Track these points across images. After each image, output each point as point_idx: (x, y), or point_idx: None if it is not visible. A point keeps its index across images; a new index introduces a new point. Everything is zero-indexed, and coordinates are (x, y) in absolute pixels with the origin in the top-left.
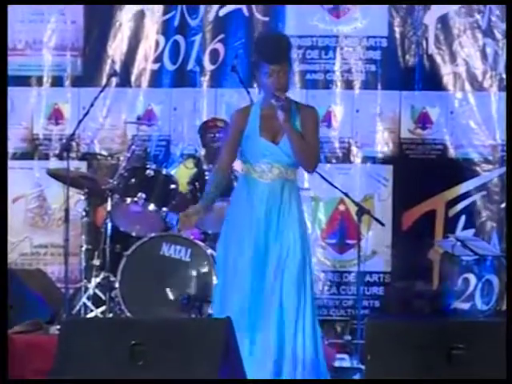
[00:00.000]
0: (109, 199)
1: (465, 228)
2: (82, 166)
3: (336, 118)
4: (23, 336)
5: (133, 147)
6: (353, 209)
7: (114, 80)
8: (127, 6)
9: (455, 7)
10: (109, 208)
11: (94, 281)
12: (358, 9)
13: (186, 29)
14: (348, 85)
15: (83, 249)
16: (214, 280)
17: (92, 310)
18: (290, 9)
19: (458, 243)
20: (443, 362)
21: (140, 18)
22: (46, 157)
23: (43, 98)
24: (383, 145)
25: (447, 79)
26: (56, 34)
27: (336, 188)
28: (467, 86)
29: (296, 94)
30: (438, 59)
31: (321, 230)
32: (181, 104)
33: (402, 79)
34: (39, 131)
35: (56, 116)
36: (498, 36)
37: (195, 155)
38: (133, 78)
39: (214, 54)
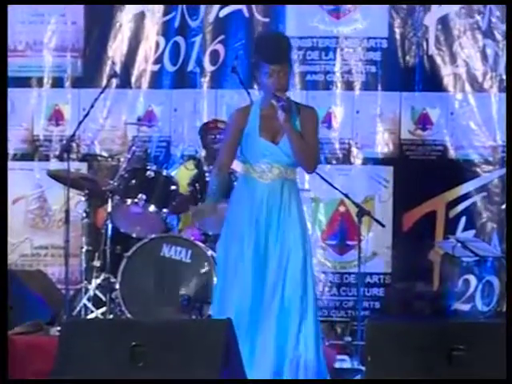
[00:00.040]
0: (109, 200)
1: (465, 229)
2: (83, 167)
3: (336, 119)
4: (24, 337)
5: (133, 148)
6: (353, 210)
7: (115, 81)
8: (127, 7)
9: (455, 8)
10: (109, 209)
11: (95, 282)
12: (358, 10)
13: (186, 30)
14: (348, 86)
15: (84, 250)
16: (215, 281)
17: (92, 311)
18: (290, 10)
19: (459, 244)
20: (444, 364)
21: (140, 19)
22: (47, 158)
23: (43, 99)
24: (383, 146)
25: (447, 80)
26: (56, 35)
27: (336, 189)
28: (467, 87)
29: (296, 95)
30: (439, 60)
31: (321, 231)
32: (181, 105)
33: (402, 80)
34: (39, 132)
35: (56, 117)
36: (498, 37)
37: (196, 156)
38: (133, 79)
39: (215, 55)
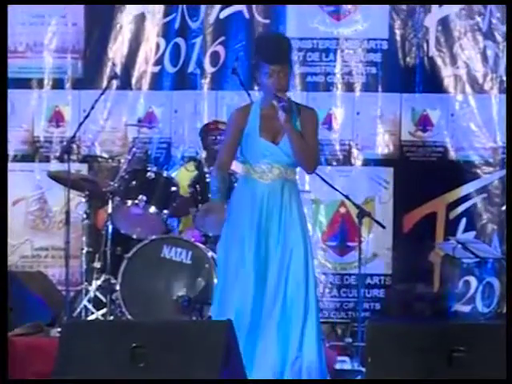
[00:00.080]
0: (110, 202)
1: (465, 230)
2: (83, 169)
3: (337, 120)
4: (24, 338)
5: (134, 150)
6: (353, 211)
7: (115, 82)
8: (128, 9)
9: (456, 10)
10: (110, 210)
11: (95, 283)
12: (359, 11)
13: (186, 31)
14: (348, 87)
15: (84, 251)
16: (215, 282)
17: (93, 313)
18: (290, 11)
19: (459, 246)
20: (444, 365)
21: (140, 20)
22: (47, 159)
23: (44, 101)
24: (384, 147)
25: (448, 81)
26: (57, 36)
27: (337, 190)
28: (468, 89)
29: (297, 96)
30: (439, 61)
31: (321, 233)
32: (181, 106)
33: (402, 81)
34: (40, 134)
35: (57, 118)
36: (499, 38)
37: (196, 158)
38: (133, 81)
39: (215, 56)
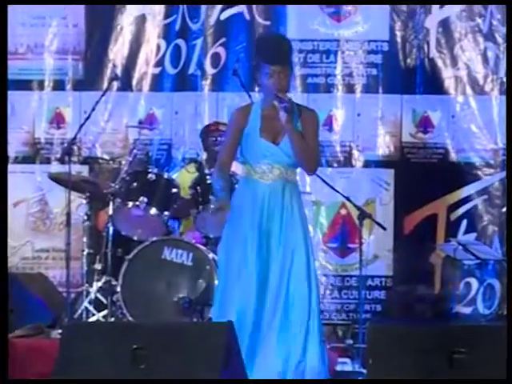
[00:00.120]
0: (110, 203)
1: (466, 232)
2: (84, 170)
3: (337, 121)
4: (24, 340)
5: (134, 151)
6: (354, 213)
7: (116, 84)
8: (128, 10)
9: (456, 11)
10: (110, 212)
11: (96, 285)
12: (359, 13)
13: (187, 33)
14: (349, 89)
15: (85, 253)
16: (216, 284)
17: (94, 314)
18: (291, 12)
19: (460, 247)
20: (445, 366)
21: (141, 21)
22: (48, 161)
23: (45, 102)
24: (385, 149)
25: (448, 83)
26: (57, 37)
27: (337, 192)
28: (468, 90)
29: (297, 97)
30: (440, 63)
31: (322, 234)
32: (182, 108)
33: (403, 83)
34: (41, 135)
35: (57, 120)
36: (499, 40)
37: (197, 159)
38: (134, 82)
39: (216, 57)
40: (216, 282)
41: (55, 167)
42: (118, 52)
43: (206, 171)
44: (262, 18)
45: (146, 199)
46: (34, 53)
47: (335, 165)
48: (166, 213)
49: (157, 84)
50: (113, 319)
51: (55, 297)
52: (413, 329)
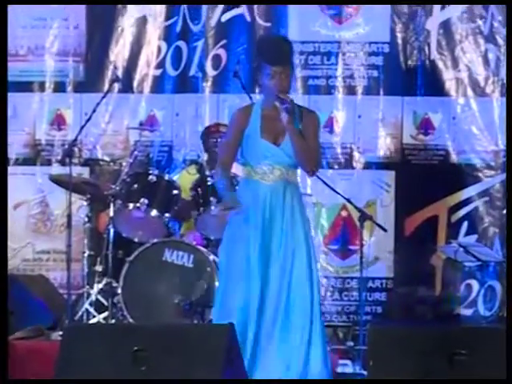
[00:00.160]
0: (111, 205)
1: (467, 234)
2: (85, 172)
3: (338, 123)
4: (25, 342)
5: (135, 153)
6: (355, 215)
7: (116, 86)
8: (129, 12)
9: (457, 13)
10: (111, 214)
11: (97, 287)
12: (360, 14)
13: (188, 34)
14: (350, 90)
15: (85, 255)
16: (217, 285)
17: (94, 316)
18: (292, 14)
19: (461, 249)
20: (445, 368)
21: (142, 23)
22: (49, 162)
23: (45, 104)
24: (385, 150)
25: (449, 85)
26: (58, 39)
27: (338, 194)
28: (469, 92)
29: (298, 99)
30: (440, 65)
31: (323, 236)
32: (183, 110)
33: (404, 85)
34: (41, 137)
35: (58, 122)
36: (500, 41)
37: (198, 161)
38: (135, 84)
39: (216, 59)
40: (217, 283)
41: (56, 169)
42: (118, 54)
43: (207, 173)
44: (262, 19)
45: (146, 201)
46: (34, 54)
47: (336, 166)
48: (167, 214)
49: (158, 86)
50: (113, 321)
51: (56, 299)
52: (413, 331)
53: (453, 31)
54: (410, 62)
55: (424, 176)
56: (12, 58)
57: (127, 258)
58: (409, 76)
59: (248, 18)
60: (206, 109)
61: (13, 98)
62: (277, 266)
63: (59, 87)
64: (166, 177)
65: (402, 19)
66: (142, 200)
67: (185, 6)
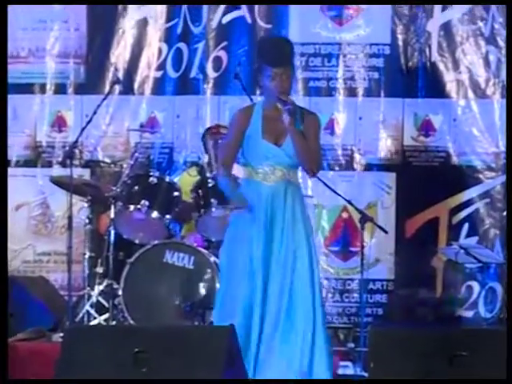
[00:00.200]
0: (112, 206)
1: (468, 235)
2: (85, 174)
3: (339, 125)
4: (26, 343)
5: (136, 155)
6: (356, 216)
7: (117, 87)
8: (130, 14)
9: (458, 15)
10: (112, 215)
11: (97, 288)
12: (361, 16)
13: (188, 36)
14: (351, 92)
15: (86, 256)
16: (217, 287)
17: (95, 318)
18: (292, 16)
19: (462, 251)
20: (446, 370)
21: (143, 25)
22: (49, 164)
23: (46, 106)
24: (386, 152)
25: (450, 86)
26: (59, 41)
27: (339, 195)
28: (470, 94)
29: (299, 101)
30: (441, 66)
31: (324, 238)
32: (184, 111)
33: (404, 86)
34: (42, 139)
35: (59, 123)
36: (501, 43)
37: (198, 163)
38: (136, 86)
39: (217, 61)
40: (217, 285)
41: (57, 171)
42: (119, 55)
43: (208, 175)
44: (263, 21)
45: (147, 202)
46: (35, 56)
47: (337, 168)
48: (168, 216)
49: (158, 87)
50: (114, 322)
51: (57, 300)
52: (414, 332)
53: (453, 33)
54: (410, 64)
55: (425, 178)
56: (13, 59)
57: (128, 259)
58: (409, 78)
59: (249, 20)
60: (206, 111)
61: (14, 100)
62: (278, 267)
63: (60, 89)
64: (167, 178)
65: (403, 21)
66: (142, 202)
67: (185, 8)
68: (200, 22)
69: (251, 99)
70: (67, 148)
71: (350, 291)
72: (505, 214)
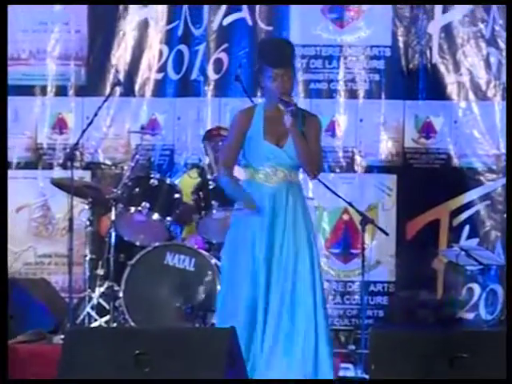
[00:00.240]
0: (113, 208)
1: (469, 237)
2: (86, 176)
3: (340, 127)
4: (27, 345)
5: (137, 156)
6: (357, 218)
7: (118, 89)
8: (131, 16)
9: (459, 17)
10: (113, 217)
11: (98, 290)
12: (362, 18)
13: (189, 38)
14: (352, 94)
15: (87, 258)
16: (218, 289)
17: (96, 320)
18: (293, 18)
19: (462, 253)
20: (447, 372)
21: (144, 27)
22: (50, 166)
23: (47, 108)
24: (387, 154)
25: (451, 88)
26: (60, 43)
27: (340, 197)
28: (471, 96)
29: (300, 103)
30: (442, 68)
31: (325, 240)
32: (185, 113)
33: (405, 88)
34: (43, 140)
35: (60, 125)
36: (502, 45)
37: (199, 165)
38: (136, 88)
39: (218, 63)
40: (218, 287)
41: (57, 172)
42: (120, 57)
43: (209, 176)
44: (264, 23)
45: (148, 204)
46: (36, 58)
47: (338, 170)
48: (169, 218)
49: (159, 89)
50: (115, 324)
51: (58, 302)
52: (415, 334)
53: (454, 35)
54: (411, 66)
55: (426, 180)
56: (14, 61)
57: (129, 261)
58: (410, 80)
59: (250, 22)
60: (207, 112)
61: (14, 102)
62: (280, 268)
63: (61, 91)
64: (168, 180)
65: (404, 23)
66: (143, 204)
67: (186, 9)
68: (201, 24)
69: (252, 101)
70: (68, 150)
71: (351, 293)
72: (505, 216)
